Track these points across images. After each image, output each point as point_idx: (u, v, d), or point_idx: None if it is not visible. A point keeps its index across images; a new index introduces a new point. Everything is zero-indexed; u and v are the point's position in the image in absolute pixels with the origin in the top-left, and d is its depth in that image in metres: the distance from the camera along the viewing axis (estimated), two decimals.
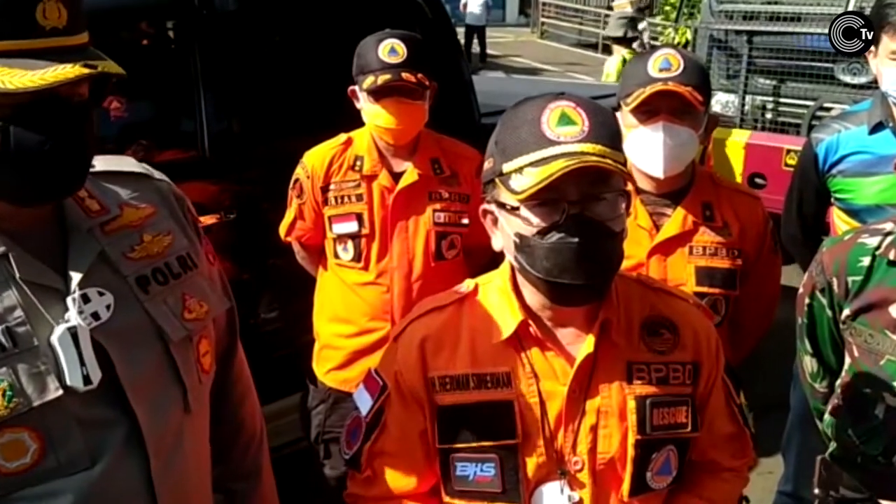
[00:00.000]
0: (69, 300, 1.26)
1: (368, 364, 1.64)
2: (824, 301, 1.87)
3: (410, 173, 2.71)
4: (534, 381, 1.44)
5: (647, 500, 1.49)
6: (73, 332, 1.24)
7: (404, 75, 2.57)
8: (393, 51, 2.59)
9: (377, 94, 2.61)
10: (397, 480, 1.51)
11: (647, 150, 2.22)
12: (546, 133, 1.33)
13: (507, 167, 1.36)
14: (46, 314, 1.24)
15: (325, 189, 2.73)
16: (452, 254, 2.75)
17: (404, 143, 2.72)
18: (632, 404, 1.45)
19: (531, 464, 1.43)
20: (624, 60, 7.89)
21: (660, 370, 1.47)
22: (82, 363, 1.24)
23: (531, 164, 1.32)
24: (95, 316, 1.27)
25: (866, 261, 1.77)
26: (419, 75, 2.59)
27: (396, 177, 2.73)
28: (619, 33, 7.89)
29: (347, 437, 1.57)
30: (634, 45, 7.90)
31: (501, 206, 1.40)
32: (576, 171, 1.29)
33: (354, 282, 2.74)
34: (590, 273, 1.34)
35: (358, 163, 2.73)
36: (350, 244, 2.72)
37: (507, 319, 1.46)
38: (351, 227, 2.70)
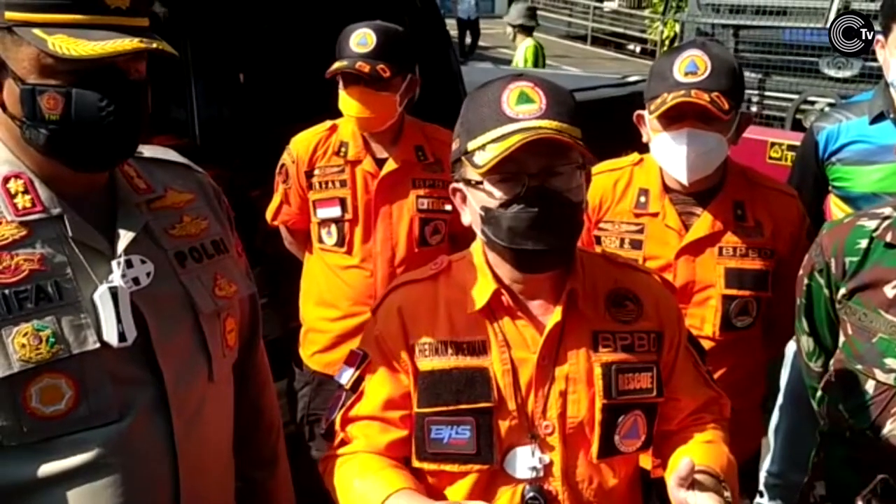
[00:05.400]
0: (114, 263, 1.36)
1: (351, 347, 1.69)
2: (822, 281, 1.91)
3: (393, 160, 2.74)
4: (506, 350, 1.52)
5: (615, 463, 1.56)
6: (113, 292, 1.33)
7: (359, 65, 2.58)
8: (363, 40, 2.62)
9: (344, 81, 2.66)
10: (369, 440, 1.57)
11: (672, 157, 2.14)
12: (506, 111, 1.43)
13: (471, 145, 1.46)
14: (92, 274, 1.34)
15: (309, 174, 2.76)
16: (436, 239, 2.79)
17: (375, 132, 2.74)
18: (598, 371, 1.52)
19: (504, 427, 1.50)
20: (536, 48, 7.95)
21: (625, 338, 1.56)
22: (119, 321, 1.33)
23: (492, 141, 1.42)
24: (136, 281, 1.38)
25: (864, 243, 1.82)
26: (380, 66, 2.59)
27: (380, 163, 2.75)
28: (521, 21, 8.02)
29: (328, 413, 1.64)
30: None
31: (468, 182, 1.49)
32: (534, 146, 1.37)
33: (338, 265, 2.77)
34: (550, 239, 1.44)
35: (343, 148, 2.76)
36: (334, 228, 2.75)
37: (481, 290, 1.54)
38: (334, 211, 2.74)
